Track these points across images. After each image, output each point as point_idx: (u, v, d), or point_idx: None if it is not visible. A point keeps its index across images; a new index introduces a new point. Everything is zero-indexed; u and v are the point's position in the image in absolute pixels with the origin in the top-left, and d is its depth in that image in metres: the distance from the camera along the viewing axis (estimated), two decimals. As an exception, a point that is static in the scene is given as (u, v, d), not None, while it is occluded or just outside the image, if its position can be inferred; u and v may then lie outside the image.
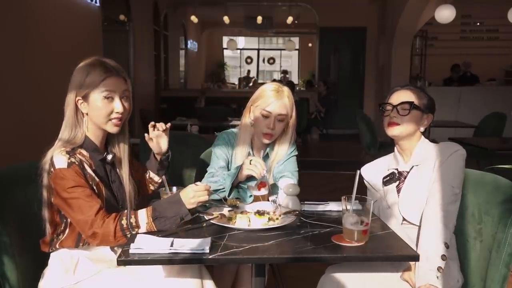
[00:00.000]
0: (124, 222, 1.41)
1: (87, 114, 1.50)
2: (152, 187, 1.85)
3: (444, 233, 1.49)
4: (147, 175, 1.84)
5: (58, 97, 1.65)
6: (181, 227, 1.46)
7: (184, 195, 1.45)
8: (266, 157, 1.97)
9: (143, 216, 1.43)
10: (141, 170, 1.83)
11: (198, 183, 1.49)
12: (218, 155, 1.93)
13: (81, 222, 1.40)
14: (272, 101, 1.85)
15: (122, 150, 1.63)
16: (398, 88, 1.72)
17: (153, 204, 1.47)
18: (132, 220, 1.42)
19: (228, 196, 1.78)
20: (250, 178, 1.79)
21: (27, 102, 3.94)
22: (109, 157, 1.56)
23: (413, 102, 1.64)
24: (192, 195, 1.44)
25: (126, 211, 1.45)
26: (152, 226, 1.42)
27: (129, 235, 1.40)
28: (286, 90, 1.91)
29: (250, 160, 1.74)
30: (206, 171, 1.94)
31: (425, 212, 1.55)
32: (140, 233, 1.41)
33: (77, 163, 1.44)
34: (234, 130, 2.02)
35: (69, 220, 1.48)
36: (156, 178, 1.83)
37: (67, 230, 1.50)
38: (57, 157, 1.42)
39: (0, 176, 1.55)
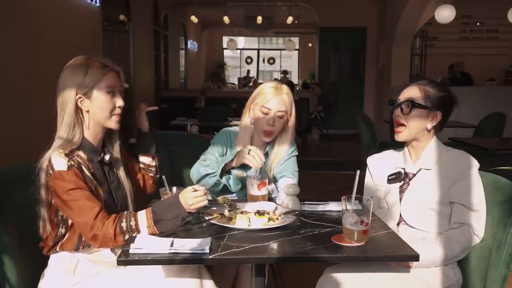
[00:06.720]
0: (123, 224, 1.41)
1: (87, 111, 1.50)
2: (151, 181, 1.82)
3: (454, 255, 1.54)
4: (141, 165, 1.80)
5: (58, 97, 1.65)
6: (181, 227, 1.45)
7: (182, 200, 1.42)
8: (265, 156, 1.96)
9: (143, 218, 1.42)
10: (136, 168, 1.81)
11: (196, 187, 1.45)
12: (214, 149, 1.93)
13: (82, 224, 1.41)
14: (271, 97, 1.86)
15: (117, 150, 1.64)
16: (409, 83, 1.69)
17: (152, 205, 1.46)
18: (132, 223, 1.41)
19: (221, 177, 1.79)
20: (245, 167, 1.79)
21: (27, 102, 3.94)
22: (107, 157, 1.57)
23: (414, 100, 1.60)
24: (191, 202, 1.41)
25: (125, 212, 1.44)
26: (154, 229, 1.41)
27: (128, 238, 1.40)
28: (285, 87, 1.91)
29: (249, 150, 1.74)
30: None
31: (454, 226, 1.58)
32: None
33: (76, 165, 1.44)
34: (237, 128, 2.02)
35: (69, 223, 1.48)
36: (148, 161, 1.80)
37: (68, 234, 1.50)
38: (56, 159, 1.42)
39: (0, 176, 1.55)
